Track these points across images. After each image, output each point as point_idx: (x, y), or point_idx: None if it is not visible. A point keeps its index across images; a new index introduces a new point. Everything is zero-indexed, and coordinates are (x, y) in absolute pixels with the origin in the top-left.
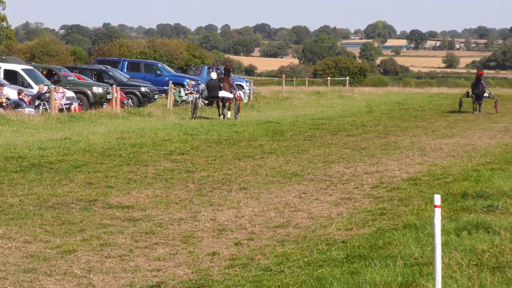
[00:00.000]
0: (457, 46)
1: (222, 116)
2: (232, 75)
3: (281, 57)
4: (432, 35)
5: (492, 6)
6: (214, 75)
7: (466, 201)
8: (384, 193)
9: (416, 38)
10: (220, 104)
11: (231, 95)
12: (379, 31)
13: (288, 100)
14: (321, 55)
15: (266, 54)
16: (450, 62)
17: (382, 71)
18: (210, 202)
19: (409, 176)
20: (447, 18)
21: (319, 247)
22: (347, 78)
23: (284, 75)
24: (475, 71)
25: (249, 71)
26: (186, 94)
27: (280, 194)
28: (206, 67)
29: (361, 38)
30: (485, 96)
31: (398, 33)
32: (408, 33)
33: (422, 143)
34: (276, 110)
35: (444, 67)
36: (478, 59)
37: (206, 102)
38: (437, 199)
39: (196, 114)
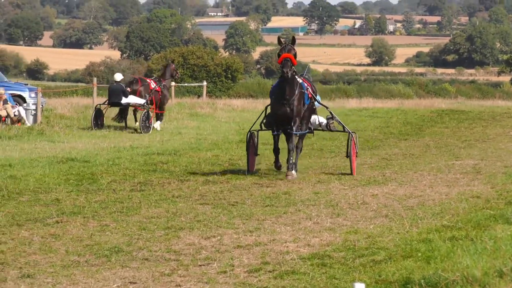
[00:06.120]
0: (391, 27)
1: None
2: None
3: (91, 48)
4: (347, 9)
5: None
6: (118, 76)
7: None
8: (269, 281)
9: (321, 15)
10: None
11: (141, 101)
12: (258, 3)
13: (104, 120)
14: (158, 45)
15: (64, 42)
16: (380, 55)
17: (263, 71)
18: None
19: (312, 251)
20: None
21: None
22: (205, 83)
23: (96, 79)
24: (421, 70)
25: (35, 71)
26: None
27: (92, 284)
28: None
29: (226, 15)
30: (320, 125)
31: (290, 6)
32: (306, 5)
33: (334, 193)
34: (83, 139)
35: (369, 64)
36: (426, 49)
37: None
38: None
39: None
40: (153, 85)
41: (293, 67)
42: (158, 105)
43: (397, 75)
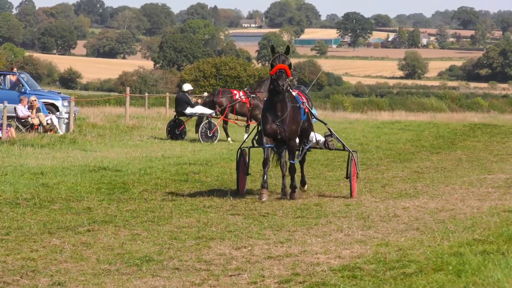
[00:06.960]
0: (424, 41)
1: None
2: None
3: (124, 57)
4: (381, 22)
5: None
6: (186, 87)
7: None
8: None
9: (354, 28)
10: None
11: (208, 111)
12: (291, 15)
13: (136, 130)
14: (191, 55)
15: (98, 51)
16: (413, 68)
17: (296, 82)
18: None
19: (343, 263)
20: None
21: None
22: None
23: (129, 88)
24: (454, 83)
25: (68, 80)
26: None
27: None
28: None
29: (260, 27)
30: (317, 143)
31: (323, 18)
32: (340, 18)
33: (365, 206)
34: (115, 148)
35: (401, 77)
36: (459, 63)
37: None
38: None
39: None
40: (238, 95)
41: (287, 79)
42: (248, 116)
43: (430, 89)
